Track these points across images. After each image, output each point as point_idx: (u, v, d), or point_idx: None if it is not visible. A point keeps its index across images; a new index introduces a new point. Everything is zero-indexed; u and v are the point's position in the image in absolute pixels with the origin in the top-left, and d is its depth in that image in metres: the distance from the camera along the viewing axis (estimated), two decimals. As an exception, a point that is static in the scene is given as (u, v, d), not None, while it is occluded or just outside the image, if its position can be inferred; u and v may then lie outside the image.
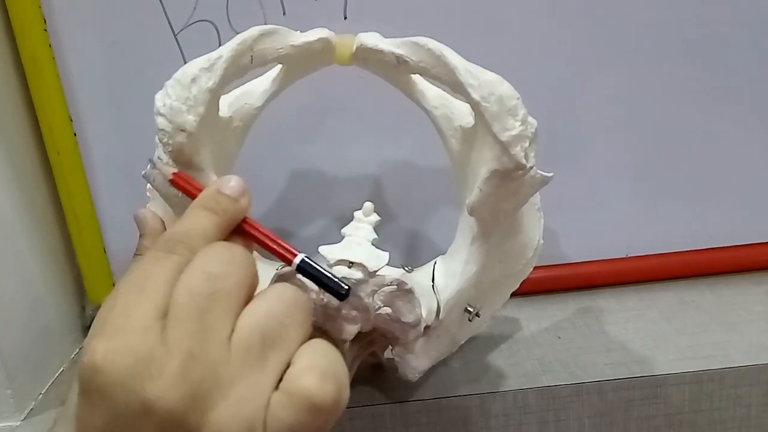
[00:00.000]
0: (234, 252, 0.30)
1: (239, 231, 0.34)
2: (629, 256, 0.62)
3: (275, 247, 0.34)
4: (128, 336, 0.27)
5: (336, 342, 0.42)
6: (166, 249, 0.30)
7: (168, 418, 0.26)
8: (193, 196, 0.35)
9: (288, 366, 0.28)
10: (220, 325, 0.28)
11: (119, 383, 0.26)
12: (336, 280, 0.33)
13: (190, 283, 0.28)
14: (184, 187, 0.36)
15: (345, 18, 0.54)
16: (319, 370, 0.28)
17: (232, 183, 0.34)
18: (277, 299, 0.29)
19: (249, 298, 0.30)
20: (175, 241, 0.30)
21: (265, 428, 0.27)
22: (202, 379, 0.26)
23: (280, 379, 0.28)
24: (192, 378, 0.26)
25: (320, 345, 0.30)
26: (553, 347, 0.54)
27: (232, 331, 0.28)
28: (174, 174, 0.37)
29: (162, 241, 0.31)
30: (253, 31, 0.39)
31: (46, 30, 0.53)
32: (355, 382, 0.48)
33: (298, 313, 0.30)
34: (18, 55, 0.53)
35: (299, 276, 0.39)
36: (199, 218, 0.33)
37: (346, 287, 0.33)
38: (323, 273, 0.33)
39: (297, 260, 0.34)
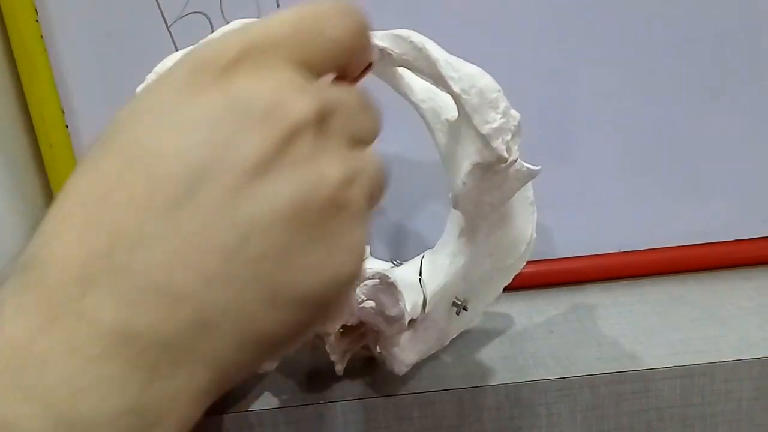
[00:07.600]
0: None
1: None
2: (621, 251, 0.62)
3: None
4: None
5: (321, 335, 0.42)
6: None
7: None
8: None
9: None
10: None
11: None
12: None
13: None
14: None
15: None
16: None
17: None
18: None
19: None
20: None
21: None
22: None
23: None
24: None
25: None
26: (545, 342, 0.54)
27: None
28: None
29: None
30: (235, 24, 0.39)
31: (37, 20, 0.53)
32: (347, 375, 0.48)
33: None
34: (9, 46, 0.53)
35: None
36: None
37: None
38: None
39: None
